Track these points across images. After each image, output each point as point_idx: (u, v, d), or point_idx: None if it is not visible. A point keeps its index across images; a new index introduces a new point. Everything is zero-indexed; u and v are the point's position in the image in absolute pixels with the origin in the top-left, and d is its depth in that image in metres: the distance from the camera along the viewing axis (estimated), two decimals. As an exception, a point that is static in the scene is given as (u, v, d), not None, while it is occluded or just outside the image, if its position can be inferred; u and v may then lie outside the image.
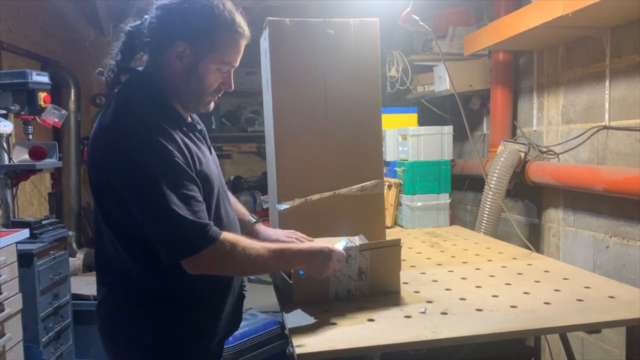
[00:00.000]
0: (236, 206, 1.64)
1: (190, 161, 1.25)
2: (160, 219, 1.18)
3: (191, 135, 1.32)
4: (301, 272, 1.51)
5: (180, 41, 1.23)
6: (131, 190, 1.20)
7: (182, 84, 1.28)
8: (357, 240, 1.60)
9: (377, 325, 1.42)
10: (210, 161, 1.36)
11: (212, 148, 1.45)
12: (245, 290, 1.59)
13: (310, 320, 1.46)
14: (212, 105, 1.37)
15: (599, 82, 2.41)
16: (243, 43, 1.30)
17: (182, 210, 1.17)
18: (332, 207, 1.91)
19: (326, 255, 1.41)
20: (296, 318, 1.49)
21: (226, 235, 1.24)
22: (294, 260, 1.39)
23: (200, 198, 1.23)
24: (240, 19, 1.27)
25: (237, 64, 1.32)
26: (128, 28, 1.28)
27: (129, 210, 1.22)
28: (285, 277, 1.63)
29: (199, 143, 1.35)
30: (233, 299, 1.47)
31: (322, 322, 1.44)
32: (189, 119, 1.38)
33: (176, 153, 1.20)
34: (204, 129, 1.44)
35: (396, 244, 1.66)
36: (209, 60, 1.26)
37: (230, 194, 1.57)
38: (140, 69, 1.33)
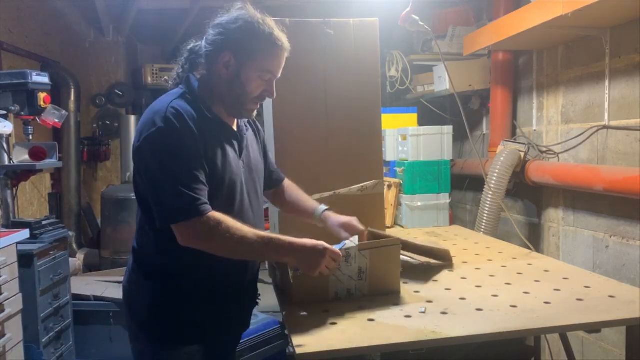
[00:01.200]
0: (305, 198, 1.80)
1: (203, 149, 1.36)
2: (159, 187, 1.33)
3: (218, 133, 1.43)
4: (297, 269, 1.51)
5: (226, 52, 1.41)
6: (142, 160, 1.35)
7: (226, 90, 1.44)
8: (356, 240, 1.59)
9: (377, 325, 1.43)
10: (231, 160, 1.44)
11: (244, 152, 1.51)
12: (260, 299, 1.65)
13: (310, 320, 1.46)
14: (255, 112, 1.51)
15: (599, 82, 2.41)
16: (281, 54, 1.45)
17: (181, 183, 1.30)
18: (332, 207, 1.91)
19: (319, 252, 1.42)
20: (296, 318, 1.49)
21: (215, 214, 1.33)
22: (282, 251, 1.41)
23: (203, 179, 1.34)
24: (278, 33, 1.44)
25: (278, 74, 1.48)
26: (190, 47, 1.50)
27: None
28: (288, 274, 1.63)
29: (225, 142, 1.44)
30: (241, 301, 1.54)
31: (322, 322, 1.44)
32: (234, 126, 1.50)
33: (191, 138, 1.34)
34: (243, 136, 1.52)
35: (396, 244, 1.66)
36: (249, 67, 1.42)
37: (299, 190, 1.78)
38: (198, 76, 1.51)
